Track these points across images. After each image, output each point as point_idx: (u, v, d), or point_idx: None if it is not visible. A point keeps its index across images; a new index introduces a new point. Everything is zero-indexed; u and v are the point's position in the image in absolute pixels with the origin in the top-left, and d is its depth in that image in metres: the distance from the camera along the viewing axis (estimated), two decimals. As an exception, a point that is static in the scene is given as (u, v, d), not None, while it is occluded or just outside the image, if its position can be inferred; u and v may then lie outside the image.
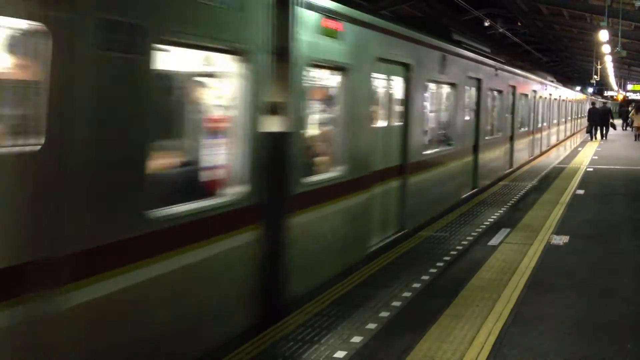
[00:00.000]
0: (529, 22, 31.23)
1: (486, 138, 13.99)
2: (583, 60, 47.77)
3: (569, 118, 35.57)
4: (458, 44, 11.80)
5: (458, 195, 11.80)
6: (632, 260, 8.27)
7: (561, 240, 9.10)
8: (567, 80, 43.77)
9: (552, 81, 26.74)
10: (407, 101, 8.90)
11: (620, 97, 62.07)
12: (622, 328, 5.77)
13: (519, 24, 31.43)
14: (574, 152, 25.26)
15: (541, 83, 22.94)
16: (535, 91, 20.95)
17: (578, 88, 49.52)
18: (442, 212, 10.57)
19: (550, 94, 25.42)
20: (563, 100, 30.95)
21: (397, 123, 8.77)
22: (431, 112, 10.82)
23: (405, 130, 8.90)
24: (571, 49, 43.84)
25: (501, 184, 14.89)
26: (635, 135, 33.48)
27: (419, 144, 9.45)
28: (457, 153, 11.58)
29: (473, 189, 12.95)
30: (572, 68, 56.55)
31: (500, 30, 29.05)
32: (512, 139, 17.18)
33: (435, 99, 11.10)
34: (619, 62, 42.58)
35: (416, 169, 9.18)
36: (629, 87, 62.43)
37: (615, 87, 66.63)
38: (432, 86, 10.58)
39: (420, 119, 9.59)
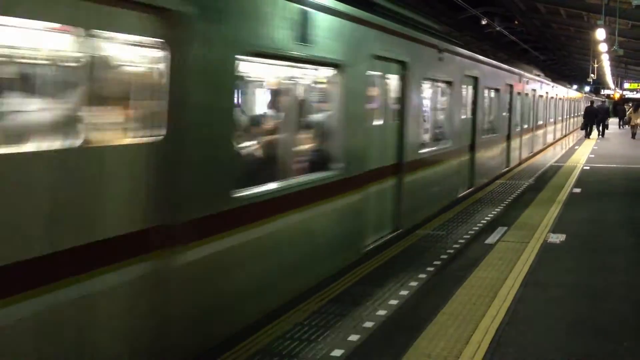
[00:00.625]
0: (527, 20, 31.29)
1: (422, 152, 9.75)
2: (580, 59, 47.85)
3: (560, 119, 31.90)
4: (370, 6, 7.91)
5: (355, 250, 7.45)
6: (629, 258, 8.28)
7: (558, 238, 9.12)
8: (562, 78, 43.74)
9: (538, 75, 23.55)
10: (175, 88, 4.36)
11: (617, 96, 62.18)
12: (619, 327, 5.78)
13: (516, 22, 31.48)
14: (571, 151, 25.29)
15: (522, 77, 19.06)
16: (511, 86, 17.06)
17: (575, 86, 49.58)
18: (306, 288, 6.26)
19: (535, 90, 21.80)
20: (552, 97, 27.37)
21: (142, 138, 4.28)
22: (274, 111, 6.65)
23: (170, 152, 4.35)
24: (568, 48, 43.91)
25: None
26: (633, 134, 33.66)
27: (221, 173, 4.96)
28: (351, 181, 7.13)
29: (394, 230, 8.65)
30: (569, 66, 56.65)
31: (498, 28, 29.08)
32: (473, 148, 13.03)
33: (295, 88, 6.53)
34: (615, 61, 42.68)
35: (227, 224, 4.95)
36: (626, 85, 62.58)
37: (612, 85, 66.77)
38: (277, 68, 6.33)
39: (225, 123, 5.00)
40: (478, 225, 9.88)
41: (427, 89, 10.56)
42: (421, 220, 9.74)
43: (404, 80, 8.80)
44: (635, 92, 61.40)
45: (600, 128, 34.62)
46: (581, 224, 10.33)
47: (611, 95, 64.51)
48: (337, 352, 4.98)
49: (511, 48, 35.41)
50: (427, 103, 10.77)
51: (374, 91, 8.03)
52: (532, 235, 9.27)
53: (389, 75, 8.58)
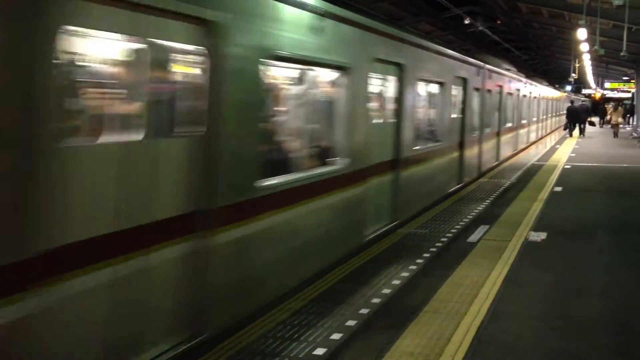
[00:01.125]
0: (509, 20, 31.48)
1: (272, 184, 5.85)
2: (562, 59, 48.24)
3: (535, 119, 28.45)
4: None
5: None
6: (609, 256, 8.36)
7: (539, 236, 9.18)
8: (545, 77, 44.10)
9: (508, 69, 20.29)
10: None
11: (597, 95, 62.85)
12: (599, 324, 5.84)
13: (499, 22, 31.67)
14: (552, 150, 25.47)
15: (482, 69, 15.31)
16: (465, 80, 13.55)
17: (557, 85, 49.94)
18: None
19: (502, 87, 18.38)
20: (525, 96, 24.19)
21: None
22: None
23: None
24: (550, 47, 44.26)
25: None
26: (614, 133, 34.19)
27: None
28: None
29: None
30: (551, 66, 57.11)
31: (480, 28, 29.24)
32: (396, 165, 9.20)
33: None
34: (596, 60, 43.05)
35: None
36: (607, 85, 63.23)
37: (593, 85, 67.39)
38: None
39: None
40: (460, 223, 9.92)
41: (281, 76, 6.78)
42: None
43: (212, 61, 4.85)
44: (616, 92, 62.08)
45: (582, 127, 35.13)
46: (562, 222, 10.41)
47: (592, 95, 65.17)
48: (320, 351, 4.99)
49: (494, 47, 35.65)
50: (285, 101, 6.96)
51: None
52: (513, 233, 9.33)
53: (168, 46, 4.58)
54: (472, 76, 14.22)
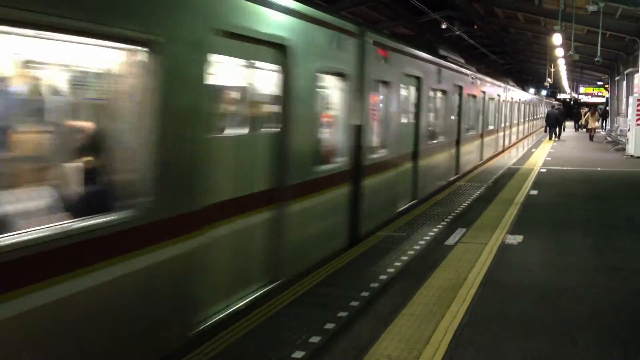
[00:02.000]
0: (485, 25, 31.77)
1: None
2: (537, 63, 48.81)
3: (492, 128, 22.21)
4: None
5: None
6: (584, 258, 8.45)
7: (515, 239, 9.26)
8: (521, 82, 44.51)
9: (444, 56, 14.31)
10: None
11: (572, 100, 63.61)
12: (575, 326, 5.89)
13: (476, 26, 31.95)
14: (528, 154, 25.70)
15: (362, 37, 8.51)
16: (285, 48, 6.22)
17: (532, 90, 50.45)
18: None
19: (420, 79, 11.61)
20: (474, 96, 18.10)
21: None
22: None
23: None
24: (526, 52, 44.77)
25: None
26: (590, 137, 34.85)
27: None
28: None
29: None
30: (527, 71, 57.73)
31: (457, 32, 29.46)
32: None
33: None
34: (571, 65, 43.62)
35: None
36: (581, 89, 64.06)
37: (567, 89, 68.21)
38: None
39: None
40: (438, 226, 9.97)
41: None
42: None
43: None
44: (590, 96, 62.91)
45: (557, 130, 35.78)
46: (538, 225, 10.50)
47: (567, 99, 65.97)
48: (299, 354, 4.98)
49: (470, 52, 35.97)
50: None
51: None
52: (490, 236, 9.39)
53: None
54: (324, 54, 7.46)
